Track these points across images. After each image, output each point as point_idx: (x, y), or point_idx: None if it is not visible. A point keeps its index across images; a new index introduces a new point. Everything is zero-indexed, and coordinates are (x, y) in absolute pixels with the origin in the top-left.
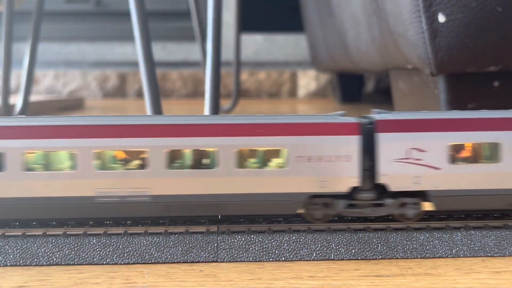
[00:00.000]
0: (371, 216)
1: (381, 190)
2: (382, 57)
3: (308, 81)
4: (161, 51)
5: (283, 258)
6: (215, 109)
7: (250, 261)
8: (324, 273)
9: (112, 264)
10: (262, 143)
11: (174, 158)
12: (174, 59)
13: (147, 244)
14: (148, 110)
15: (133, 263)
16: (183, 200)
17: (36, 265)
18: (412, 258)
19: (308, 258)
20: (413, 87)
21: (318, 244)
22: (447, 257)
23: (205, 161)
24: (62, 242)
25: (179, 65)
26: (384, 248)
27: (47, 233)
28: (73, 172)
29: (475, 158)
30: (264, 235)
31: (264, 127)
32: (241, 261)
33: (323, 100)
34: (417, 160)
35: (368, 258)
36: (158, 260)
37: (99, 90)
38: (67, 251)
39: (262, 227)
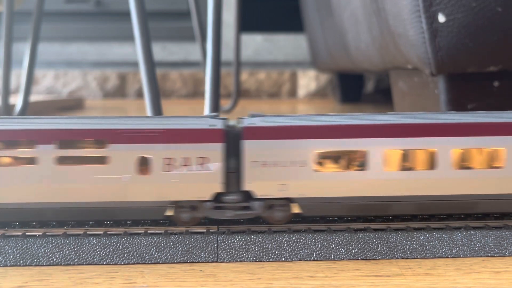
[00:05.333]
0: None
1: None
2: (382, 57)
3: (308, 81)
4: (161, 51)
5: (283, 258)
6: (215, 109)
7: (250, 261)
8: (324, 273)
9: (112, 264)
10: None
11: None
12: (174, 59)
13: (147, 244)
14: (148, 110)
15: (133, 263)
16: None
17: (36, 265)
18: (412, 258)
19: (308, 258)
20: (413, 87)
21: (318, 244)
22: (447, 257)
23: None
24: (62, 242)
25: (179, 65)
26: (384, 248)
27: (47, 233)
28: None
29: None
30: (264, 236)
31: None
32: (241, 261)
33: (323, 100)
34: None
35: (368, 258)
36: (158, 260)
37: (99, 90)
38: (67, 251)
39: (262, 228)
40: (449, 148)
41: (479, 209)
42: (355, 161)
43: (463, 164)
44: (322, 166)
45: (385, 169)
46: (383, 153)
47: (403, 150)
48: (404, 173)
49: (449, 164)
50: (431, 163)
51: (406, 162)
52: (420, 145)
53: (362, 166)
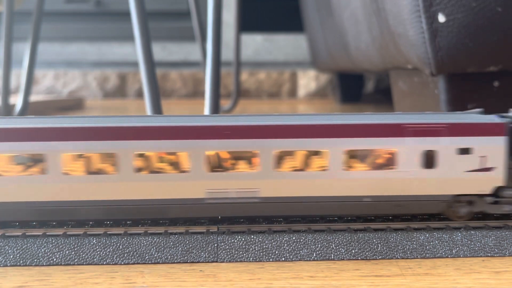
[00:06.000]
0: None
1: None
2: (382, 57)
3: (308, 81)
4: (161, 51)
5: (283, 258)
6: (215, 109)
7: (250, 261)
8: (324, 273)
9: (112, 264)
10: None
11: None
12: (174, 59)
13: (147, 244)
14: (148, 110)
15: (133, 263)
16: None
17: (36, 265)
18: (412, 258)
19: (308, 258)
20: (413, 87)
21: (318, 244)
22: (447, 257)
23: None
24: (62, 242)
25: (179, 65)
26: (384, 248)
27: (47, 233)
28: None
29: None
30: (264, 235)
31: None
32: (241, 261)
33: (323, 100)
34: None
35: (368, 258)
36: (158, 260)
37: (99, 90)
38: (67, 251)
39: (262, 227)
40: (131, 152)
41: (170, 214)
42: (35, 165)
43: (152, 168)
44: (5, 170)
45: (66, 173)
46: (62, 157)
47: (88, 154)
48: (88, 177)
49: (131, 168)
50: (114, 167)
51: (93, 166)
52: (102, 148)
53: (43, 170)
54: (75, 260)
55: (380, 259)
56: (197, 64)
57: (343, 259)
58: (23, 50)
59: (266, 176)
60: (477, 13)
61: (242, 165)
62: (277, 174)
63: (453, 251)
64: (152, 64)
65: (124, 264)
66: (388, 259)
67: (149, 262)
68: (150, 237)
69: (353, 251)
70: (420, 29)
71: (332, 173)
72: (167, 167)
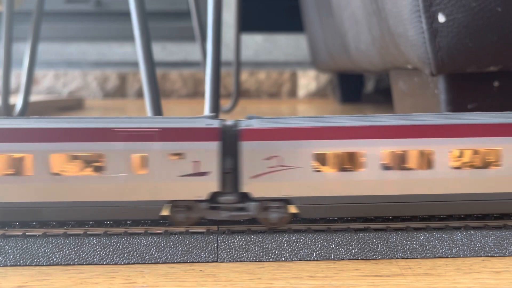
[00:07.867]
0: None
1: None
2: (382, 57)
3: (308, 81)
4: (161, 51)
5: (283, 258)
6: (215, 109)
7: (250, 261)
8: (324, 273)
9: (112, 264)
10: None
11: None
12: (174, 59)
13: (147, 244)
14: (148, 110)
15: (133, 263)
16: None
17: (36, 265)
18: (412, 258)
19: (308, 258)
20: (413, 87)
21: (318, 244)
22: (447, 257)
23: None
24: (62, 242)
25: (179, 65)
26: (384, 248)
27: (47, 233)
28: None
29: None
30: (264, 235)
31: None
32: (241, 261)
33: (323, 100)
34: None
35: (368, 258)
36: (158, 260)
37: (99, 90)
38: (67, 251)
39: (262, 227)
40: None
41: None
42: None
43: None
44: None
45: None
46: None
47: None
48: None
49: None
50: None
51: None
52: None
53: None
54: (75, 260)
55: (380, 259)
56: (197, 64)
57: (343, 259)
58: (23, 50)
59: None
60: (477, 13)
61: None
62: None
63: (453, 251)
64: (152, 64)
65: (124, 264)
66: (388, 259)
67: (149, 262)
68: (150, 237)
69: (353, 251)
70: (420, 29)
71: None
72: None
